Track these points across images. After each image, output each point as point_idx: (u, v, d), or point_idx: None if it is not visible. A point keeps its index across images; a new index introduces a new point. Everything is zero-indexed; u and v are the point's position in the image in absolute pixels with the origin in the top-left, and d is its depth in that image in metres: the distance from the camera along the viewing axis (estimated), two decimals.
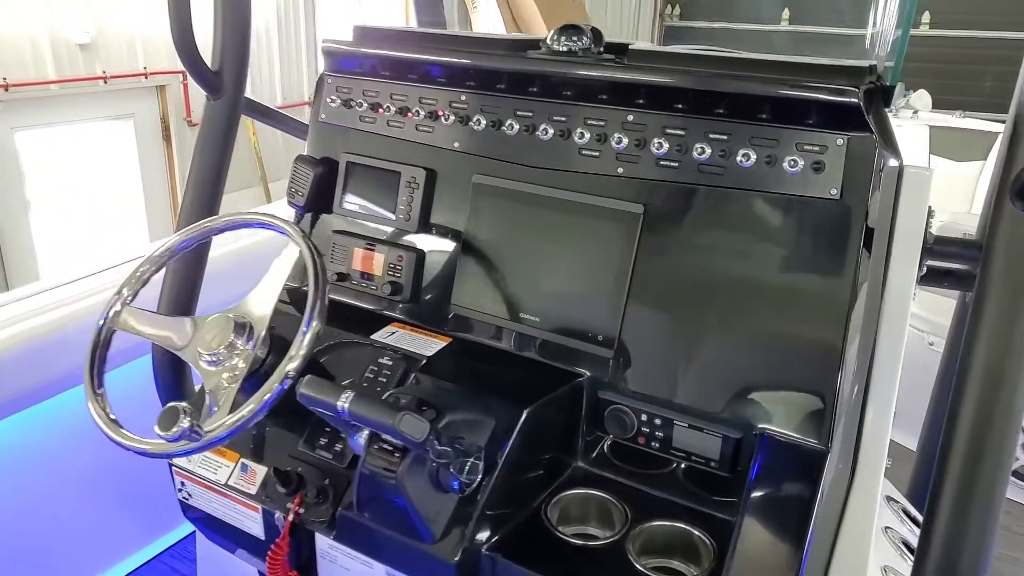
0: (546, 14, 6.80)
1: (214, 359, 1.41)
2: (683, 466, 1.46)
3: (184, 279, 1.82)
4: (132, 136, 5.31)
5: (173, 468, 1.67)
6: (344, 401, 1.21)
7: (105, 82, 5.13)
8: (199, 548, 2.26)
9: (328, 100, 1.79)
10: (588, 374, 1.51)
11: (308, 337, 1.33)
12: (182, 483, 1.67)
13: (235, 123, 1.85)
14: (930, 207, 1.49)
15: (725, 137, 1.38)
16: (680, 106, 1.42)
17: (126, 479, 2.49)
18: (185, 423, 1.26)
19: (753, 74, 1.36)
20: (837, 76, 1.30)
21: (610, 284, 1.49)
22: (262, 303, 1.46)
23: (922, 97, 6.01)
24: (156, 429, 1.28)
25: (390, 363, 1.57)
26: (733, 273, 1.40)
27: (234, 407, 1.34)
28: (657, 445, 1.46)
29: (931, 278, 1.57)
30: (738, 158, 1.37)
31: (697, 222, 1.43)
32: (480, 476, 1.34)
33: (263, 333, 1.43)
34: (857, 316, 1.33)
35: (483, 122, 1.60)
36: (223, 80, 1.80)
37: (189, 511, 1.70)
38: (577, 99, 1.52)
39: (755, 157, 1.36)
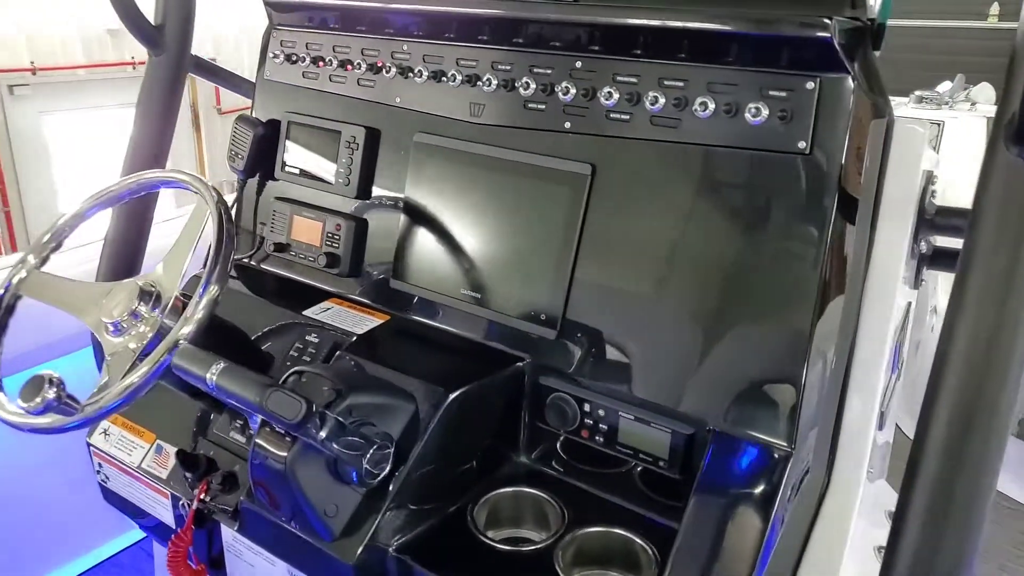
0: None
1: (116, 328, 1.29)
2: (634, 465, 1.27)
3: (122, 245, 1.70)
4: None
5: (91, 448, 1.55)
6: (213, 374, 1.06)
7: (134, 68, 5.13)
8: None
9: (272, 56, 1.65)
10: (529, 358, 1.33)
11: (204, 302, 1.20)
12: (99, 464, 1.55)
13: (180, 82, 1.73)
14: (932, 172, 1.27)
15: (680, 84, 1.19)
16: (630, 49, 1.23)
17: None
18: (50, 394, 1.13)
19: (710, 8, 1.16)
20: (810, 7, 1.10)
21: (555, 256, 1.31)
22: (173, 268, 1.33)
23: (984, 90, 5.62)
24: (18, 400, 1.16)
25: (317, 340, 1.42)
26: (689, 244, 1.21)
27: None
28: (602, 440, 1.27)
29: (941, 260, 1.34)
30: (695, 107, 1.17)
31: (650, 184, 1.24)
32: (388, 467, 1.17)
33: (172, 300, 1.30)
34: (832, 296, 1.12)
35: (424, 74, 1.44)
36: (165, 36, 1.67)
37: (108, 495, 1.58)
38: (522, 45, 1.34)
39: (713, 106, 1.16)
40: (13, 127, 4.61)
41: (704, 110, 1.17)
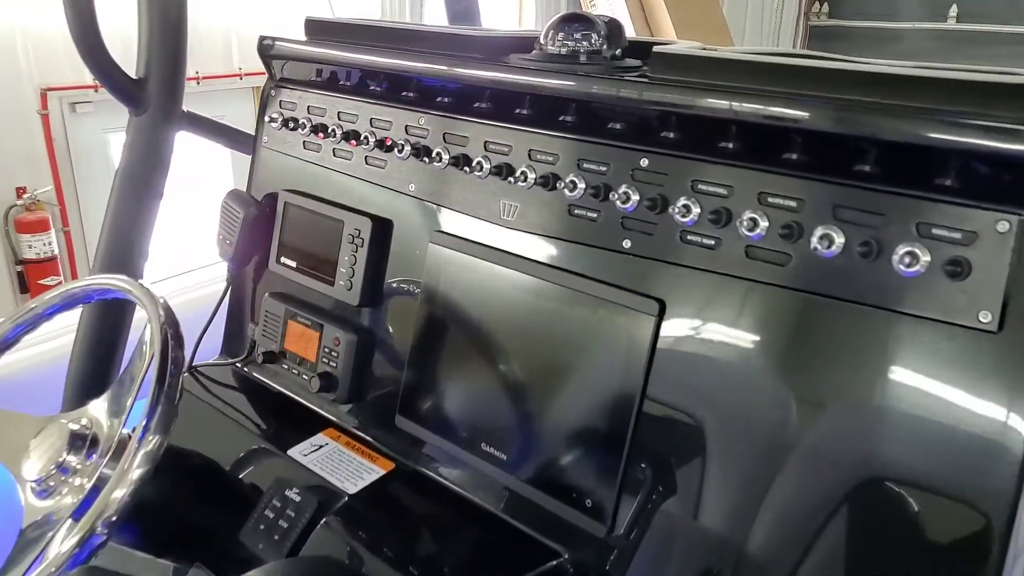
0: (673, 8, 5.99)
1: (43, 488, 1.01)
2: None
3: (89, 364, 1.42)
4: None
5: None
6: None
7: (198, 83, 4.98)
8: None
9: (270, 120, 1.34)
10: (567, 555, 0.98)
11: (139, 458, 0.91)
12: None
13: (167, 144, 1.44)
14: None
15: (793, 204, 0.82)
16: (719, 146, 0.87)
17: None
18: None
19: (846, 97, 0.78)
20: (1002, 102, 0.71)
21: (606, 418, 0.95)
22: (116, 401, 1.05)
23: None
24: None
25: (298, 500, 1.11)
26: (794, 427, 0.83)
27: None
28: None
29: None
30: (813, 241, 0.80)
31: (743, 339, 0.87)
32: None
33: (115, 441, 1.02)
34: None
35: (444, 157, 1.10)
36: (148, 91, 1.39)
37: None
38: (570, 130, 0.99)
39: (842, 242, 0.78)
40: (76, 146, 4.51)
41: (827, 246, 0.79)
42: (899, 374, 0.77)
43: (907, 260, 0.74)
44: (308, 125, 1.27)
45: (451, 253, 1.10)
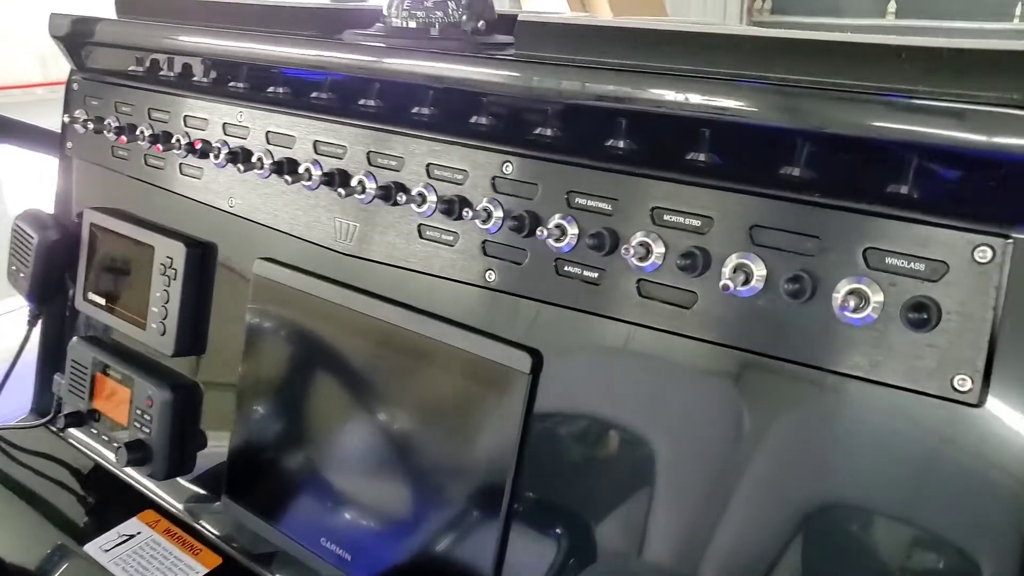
0: None
1: None
2: None
3: None
4: None
5: None
6: None
7: None
8: None
9: (71, 119, 1.08)
10: None
11: None
12: None
13: None
14: None
15: (696, 222, 0.59)
16: (603, 145, 0.64)
17: None
18: None
19: (767, 75, 0.56)
20: (981, 76, 0.49)
21: (472, 506, 0.73)
22: None
23: None
24: None
25: None
26: (705, 516, 0.61)
27: None
28: None
29: None
30: (725, 274, 0.57)
31: (642, 403, 0.65)
32: None
33: None
34: None
35: (266, 163, 0.85)
36: None
37: None
38: (415, 125, 0.75)
39: (762, 275, 0.56)
40: None
41: (744, 281, 0.56)
42: (842, 463, 0.55)
43: (852, 302, 0.52)
44: (114, 126, 1.01)
45: (278, 287, 0.86)
